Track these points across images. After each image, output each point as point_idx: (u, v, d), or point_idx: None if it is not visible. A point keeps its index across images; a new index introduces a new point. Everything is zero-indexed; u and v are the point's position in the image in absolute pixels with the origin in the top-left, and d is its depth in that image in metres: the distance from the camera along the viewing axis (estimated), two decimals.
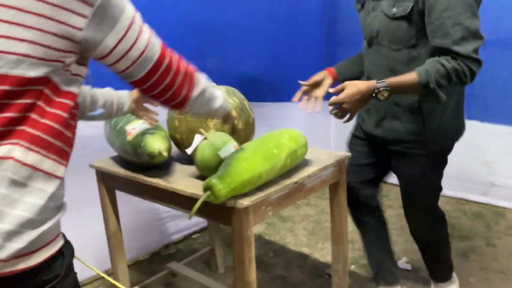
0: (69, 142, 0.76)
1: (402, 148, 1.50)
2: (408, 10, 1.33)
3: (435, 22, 1.27)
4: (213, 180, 1.07)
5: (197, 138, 1.28)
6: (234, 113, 1.42)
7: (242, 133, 1.45)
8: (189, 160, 1.45)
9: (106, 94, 1.21)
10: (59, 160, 0.73)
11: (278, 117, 2.59)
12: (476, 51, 1.25)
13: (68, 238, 0.80)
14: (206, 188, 1.08)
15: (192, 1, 2.18)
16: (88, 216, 1.79)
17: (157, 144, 1.29)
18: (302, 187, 1.30)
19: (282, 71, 2.60)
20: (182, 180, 1.30)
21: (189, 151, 1.27)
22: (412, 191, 1.59)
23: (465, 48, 1.24)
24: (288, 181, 1.24)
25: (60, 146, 0.73)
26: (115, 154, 1.55)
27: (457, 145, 2.44)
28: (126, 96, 1.26)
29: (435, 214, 1.64)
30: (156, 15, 1.91)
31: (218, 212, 1.17)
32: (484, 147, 2.41)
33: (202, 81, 0.98)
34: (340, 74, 1.64)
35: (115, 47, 0.77)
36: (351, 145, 1.71)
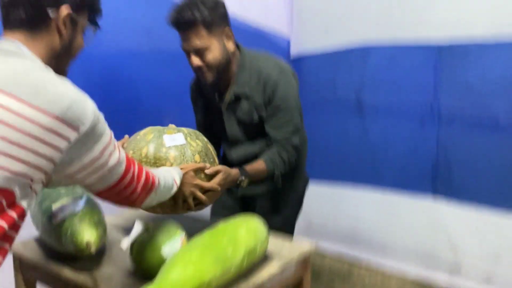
0: (4, 254, 0.76)
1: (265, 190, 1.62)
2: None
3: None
4: None
5: (136, 228, 1.06)
6: (197, 157, 1.24)
7: (208, 178, 1.27)
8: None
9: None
10: None
11: None
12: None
13: None
14: None
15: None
16: None
17: (86, 234, 1.06)
18: None
19: None
20: (116, 279, 1.07)
21: (123, 245, 1.04)
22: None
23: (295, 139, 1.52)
24: (243, 285, 1.03)
25: None
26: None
27: (423, 224, 2.39)
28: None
29: None
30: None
31: None
32: (450, 227, 2.31)
33: (159, 183, 1.01)
34: None
35: (85, 167, 0.81)
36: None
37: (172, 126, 1.30)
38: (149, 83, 1.97)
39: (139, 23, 1.90)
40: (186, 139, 1.24)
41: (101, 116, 0.81)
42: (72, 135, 0.74)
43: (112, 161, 0.84)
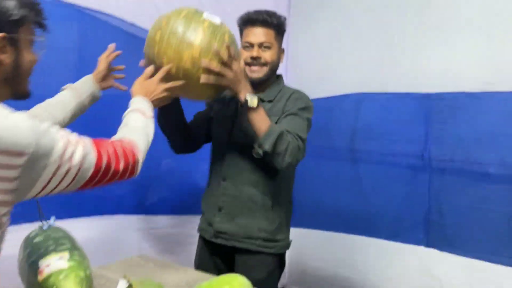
0: None
1: (251, 245, 1.61)
2: None
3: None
4: None
5: (120, 286, 1.07)
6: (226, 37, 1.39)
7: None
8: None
9: (67, 102, 1.23)
10: None
11: None
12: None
13: None
14: None
15: None
16: None
17: None
18: None
19: None
20: None
21: None
22: None
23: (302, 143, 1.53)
24: None
25: None
26: None
27: (416, 274, 2.37)
28: (88, 82, 1.29)
29: None
30: None
31: None
32: (443, 278, 2.29)
33: (139, 141, 1.02)
34: None
35: (50, 181, 0.78)
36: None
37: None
38: None
39: None
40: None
41: (42, 128, 0.76)
42: (19, 161, 0.71)
43: (77, 159, 0.82)
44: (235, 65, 1.39)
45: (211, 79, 1.35)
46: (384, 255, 2.43)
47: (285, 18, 1.67)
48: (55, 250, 1.20)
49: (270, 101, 1.64)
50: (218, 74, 1.35)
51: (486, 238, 2.15)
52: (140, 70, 1.34)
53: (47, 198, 1.62)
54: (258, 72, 1.60)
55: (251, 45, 1.60)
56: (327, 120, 2.65)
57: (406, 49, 2.36)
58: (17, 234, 1.57)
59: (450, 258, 2.26)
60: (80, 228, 1.47)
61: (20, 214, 1.57)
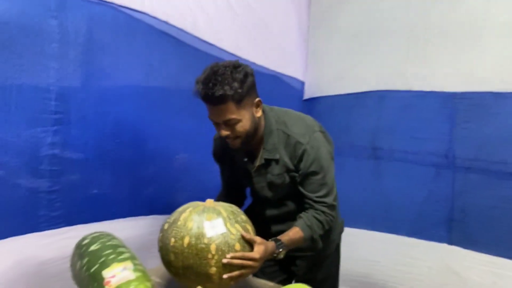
0: None
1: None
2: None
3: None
4: None
5: None
6: (237, 246, 1.25)
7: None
8: None
9: None
10: None
11: None
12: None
13: None
14: None
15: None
16: None
17: None
18: None
19: None
20: None
21: None
22: None
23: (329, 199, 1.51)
24: None
25: None
26: None
27: (438, 271, 2.40)
28: None
29: None
30: None
31: None
32: (465, 275, 2.32)
33: None
34: None
35: None
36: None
37: (210, 203, 1.32)
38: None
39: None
40: (225, 225, 1.26)
41: None
42: None
43: None
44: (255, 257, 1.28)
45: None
46: (406, 252, 2.45)
47: (245, 73, 1.38)
48: (116, 260, 1.17)
49: (277, 162, 1.51)
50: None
51: (510, 237, 2.18)
52: None
53: (80, 203, 1.61)
54: (236, 143, 1.44)
55: (217, 123, 1.42)
56: (348, 117, 2.64)
57: (432, 47, 2.36)
58: (57, 237, 1.56)
59: (472, 255, 2.29)
60: (116, 230, 1.44)
61: (60, 217, 1.55)
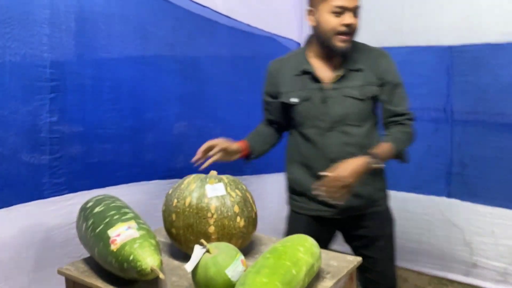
0: None
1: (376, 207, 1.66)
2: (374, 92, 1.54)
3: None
4: None
5: (198, 251, 1.08)
6: (236, 208, 1.29)
7: (245, 230, 1.31)
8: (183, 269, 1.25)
9: None
10: None
11: (257, 189, 2.45)
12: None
13: None
14: None
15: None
16: None
17: (150, 260, 1.08)
18: None
19: None
20: None
21: (188, 267, 1.07)
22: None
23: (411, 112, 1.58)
24: None
25: None
26: (87, 254, 1.32)
27: (438, 224, 2.44)
28: None
29: None
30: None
31: None
32: (465, 226, 2.37)
33: None
34: (253, 150, 1.66)
35: None
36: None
37: (213, 174, 1.37)
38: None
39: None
40: (226, 189, 1.31)
41: None
42: None
43: None
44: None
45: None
46: (406, 207, 2.49)
47: None
48: (121, 220, 1.19)
49: (360, 71, 1.53)
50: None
51: (508, 187, 2.21)
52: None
53: (83, 169, 1.63)
54: (348, 42, 1.46)
55: (343, 11, 1.43)
56: None
57: (427, 1, 2.33)
58: (61, 204, 1.58)
59: (471, 207, 2.33)
60: (119, 195, 1.46)
61: (64, 184, 1.57)
